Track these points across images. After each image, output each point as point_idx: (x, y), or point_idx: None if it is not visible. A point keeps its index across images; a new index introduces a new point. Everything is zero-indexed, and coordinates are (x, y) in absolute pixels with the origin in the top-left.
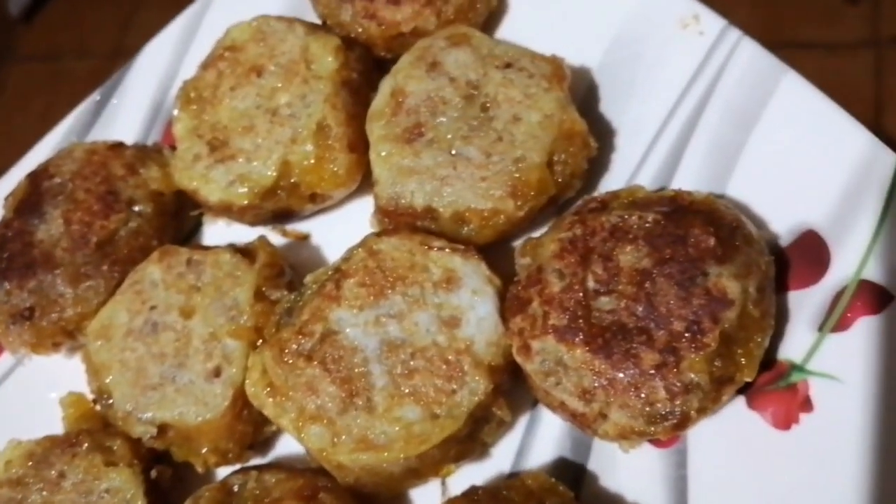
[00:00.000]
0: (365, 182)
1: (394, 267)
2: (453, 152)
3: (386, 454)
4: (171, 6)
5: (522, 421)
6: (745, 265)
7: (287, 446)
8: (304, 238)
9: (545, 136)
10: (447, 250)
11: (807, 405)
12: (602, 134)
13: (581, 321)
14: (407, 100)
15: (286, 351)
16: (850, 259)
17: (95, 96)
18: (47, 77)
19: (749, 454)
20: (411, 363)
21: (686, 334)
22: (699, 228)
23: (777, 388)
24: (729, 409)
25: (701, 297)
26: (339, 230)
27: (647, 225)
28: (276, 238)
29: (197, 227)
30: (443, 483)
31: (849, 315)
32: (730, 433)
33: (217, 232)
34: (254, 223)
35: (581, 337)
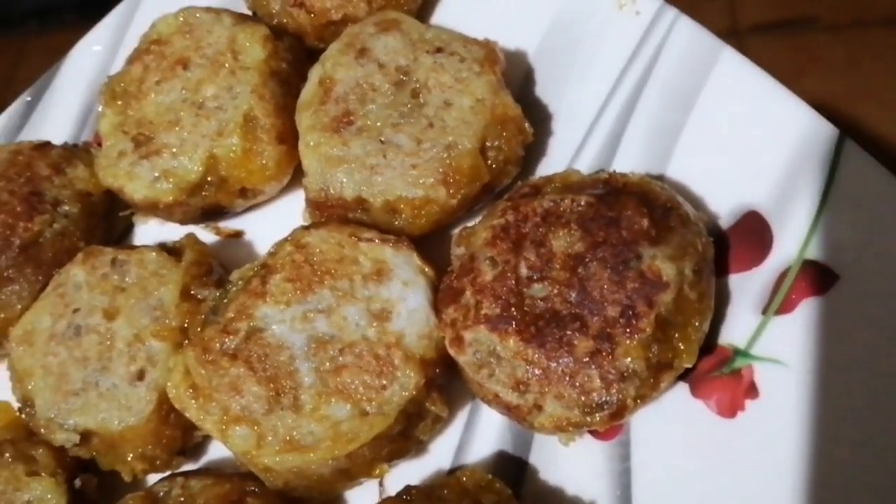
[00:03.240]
0: (299, 175)
1: (322, 260)
2: (383, 140)
3: (312, 455)
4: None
5: (461, 416)
6: (680, 246)
7: (221, 451)
8: (238, 235)
9: (477, 122)
10: (377, 241)
11: (752, 391)
12: (540, 119)
13: (514, 310)
14: (335, 88)
15: (210, 350)
16: (793, 239)
17: (26, 97)
18: None
19: (694, 444)
20: (340, 359)
21: (620, 320)
22: (632, 210)
23: (721, 375)
24: (672, 398)
25: (635, 280)
26: (274, 226)
27: (579, 208)
28: (208, 236)
29: (129, 228)
30: (380, 484)
31: (793, 297)
32: (674, 423)
33: (149, 232)
34: (184, 221)
35: (514, 326)
